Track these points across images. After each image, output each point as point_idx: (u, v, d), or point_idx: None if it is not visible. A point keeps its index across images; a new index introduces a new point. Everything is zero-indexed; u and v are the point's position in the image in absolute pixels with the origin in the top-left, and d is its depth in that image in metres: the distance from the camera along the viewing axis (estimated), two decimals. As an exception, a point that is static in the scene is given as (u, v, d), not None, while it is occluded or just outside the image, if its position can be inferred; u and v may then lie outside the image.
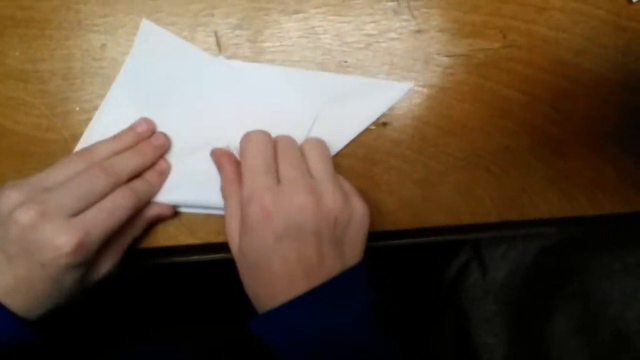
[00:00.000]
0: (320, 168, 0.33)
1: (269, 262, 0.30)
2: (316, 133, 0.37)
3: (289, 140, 0.35)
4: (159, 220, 0.36)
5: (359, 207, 0.32)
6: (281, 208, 0.30)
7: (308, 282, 0.30)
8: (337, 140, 0.37)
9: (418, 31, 0.37)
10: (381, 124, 0.38)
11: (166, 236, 0.38)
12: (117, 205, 0.31)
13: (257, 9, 0.37)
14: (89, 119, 0.36)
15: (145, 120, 0.35)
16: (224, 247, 0.35)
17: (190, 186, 0.36)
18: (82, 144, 0.36)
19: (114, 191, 0.32)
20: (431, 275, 0.63)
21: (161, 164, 0.36)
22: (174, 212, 0.37)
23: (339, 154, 0.38)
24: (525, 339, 0.52)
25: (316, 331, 0.30)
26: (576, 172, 0.39)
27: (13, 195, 0.30)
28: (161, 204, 0.36)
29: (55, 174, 0.32)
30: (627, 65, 0.38)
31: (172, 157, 0.37)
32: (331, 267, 0.31)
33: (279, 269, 0.30)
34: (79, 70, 0.36)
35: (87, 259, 0.30)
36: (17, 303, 0.30)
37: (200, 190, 0.36)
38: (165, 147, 0.36)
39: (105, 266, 0.34)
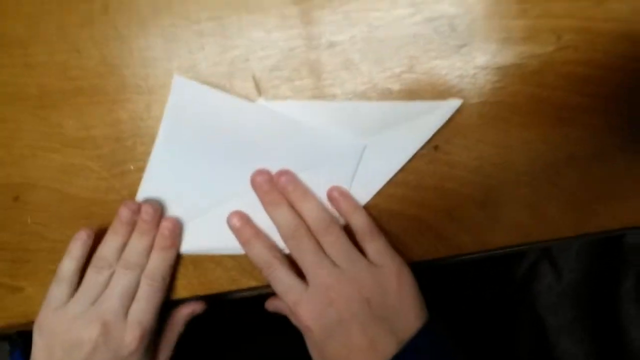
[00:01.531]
0: (338, 253, 0.34)
1: (319, 357, 0.34)
2: (364, 165, 0.36)
3: (305, 236, 0.35)
4: (194, 316, 0.40)
5: (390, 271, 0.33)
6: (315, 315, 0.33)
7: None
8: (387, 169, 0.36)
9: (462, 46, 0.35)
10: (432, 147, 0.36)
11: (229, 281, 0.38)
12: (150, 291, 0.36)
13: (290, 48, 0.36)
14: (142, 176, 0.37)
15: (125, 204, 0.36)
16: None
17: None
18: (138, 200, 0.37)
19: (141, 282, 0.36)
20: (499, 279, 0.60)
21: (164, 227, 0.37)
22: (205, 306, 0.40)
23: (390, 183, 0.36)
24: (609, 347, 0.49)
25: None
26: (629, 175, 0.35)
27: (65, 322, 0.34)
28: (192, 303, 0.40)
29: (90, 290, 0.35)
30: None
31: (217, 204, 0.37)
32: (387, 348, 0.32)
33: None
34: (129, 131, 0.37)
35: (149, 344, 0.36)
36: None
37: None
38: (155, 213, 0.36)
39: (166, 354, 0.39)
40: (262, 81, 0.36)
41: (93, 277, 0.36)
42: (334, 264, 0.34)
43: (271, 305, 0.39)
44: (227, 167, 0.37)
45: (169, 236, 0.36)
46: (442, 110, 0.36)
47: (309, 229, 0.35)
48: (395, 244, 0.36)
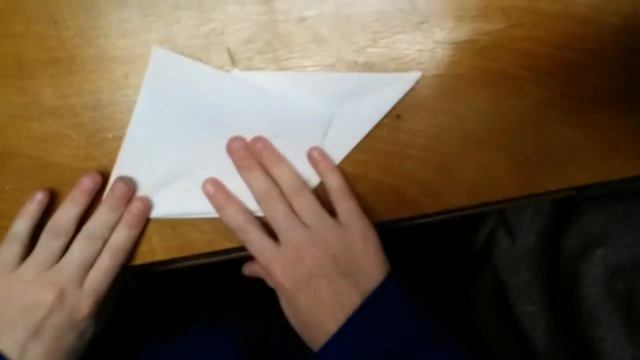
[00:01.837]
0: (309, 214, 0.37)
1: (297, 314, 0.36)
2: (332, 132, 0.39)
3: (276, 197, 0.37)
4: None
5: (356, 231, 0.36)
6: (287, 272, 0.35)
7: (334, 319, 0.34)
8: (353, 136, 0.39)
9: (422, 22, 0.38)
10: (395, 116, 0.39)
11: (206, 244, 0.41)
12: (111, 264, 0.37)
13: (263, 22, 0.38)
14: (121, 145, 0.39)
15: (88, 175, 0.38)
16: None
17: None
18: (117, 168, 0.39)
19: (102, 253, 0.37)
20: (458, 245, 0.64)
21: (133, 204, 0.38)
22: None
23: (356, 149, 0.39)
24: (563, 305, 0.53)
25: (363, 357, 0.33)
26: (593, 140, 0.39)
27: (23, 282, 0.35)
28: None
29: (45, 253, 0.36)
30: (632, 28, 0.39)
31: (194, 169, 0.39)
32: (352, 300, 0.34)
33: (306, 317, 0.35)
34: (107, 100, 0.39)
35: (100, 309, 0.37)
36: None
37: None
38: (129, 191, 0.38)
39: (104, 317, 0.40)
40: (236, 53, 0.38)
41: (49, 242, 0.36)
42: (304, 224, 0.37)
43: (248, 269, 0.42)
44: (204, 135, 0.39)
45: (138, 215, 0.38)
46: (403, 82, 0.39)
47: (281, 192, 0.37)
48: (361, 205, 0.39)
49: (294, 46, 0.39)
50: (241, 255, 0.43)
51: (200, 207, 0.39)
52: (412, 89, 0.39)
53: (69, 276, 0.36)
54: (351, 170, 0.39)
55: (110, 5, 0.38)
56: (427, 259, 0.62)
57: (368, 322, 0.34)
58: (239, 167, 0.38)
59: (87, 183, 0.37)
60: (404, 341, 0.33)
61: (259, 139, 0.38)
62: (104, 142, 0.39)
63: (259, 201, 0.38)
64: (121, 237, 0.38)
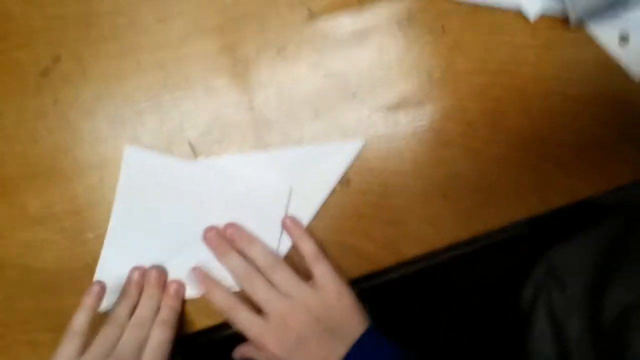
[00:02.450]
0: (286, 285, 0.40)
1: None
2: (292, 204, 0.43)
3: (252, 276, 0.41)
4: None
5: (331, 291, 0.40)
6: (278, 341, 0.39)
7: None
8: (311, 204, 0.43)
9: (354, 94, 0.43)
10: (345, 182, 0.43)
11: (188, 323, 0.43)
12: (161, 340, 0.39)
13: (217, 116, 0.43)
14: (103, 242, 0.43)
15: (135, 269, 0.42)
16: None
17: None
18: (101, 264, 0.42)
19: (153, 330, 0.40)
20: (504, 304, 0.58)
21: (170, 287, 0.42)
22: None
23: (315, 216, 0.43)
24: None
25: None
26: (522, 178, 0.43)
27: None
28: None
29: (105, 344, 0.38)
30: (541, 75, 0.43)
31: (173, 256, 0.43)
32: (337, 353, 0.38)
33: None
34: (85, 204, 0.43)
35: None
36: None
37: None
38: (160, 278, 0.42)
39: None
40: (197, 145, 0.43)
41: (109, 332, 0.39)
42: (284, 294, 0.40)
43: (238, 353, 0.44)
44: (178, 220, 0.43)
45: (175, 294, 0.42)
46: (348, 150, 0.43)
47: (257, 270, 0.41)
48: (326, 265, 0.42)
49: (246, 131, 0.43)
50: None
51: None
52: (357, 155, 0.43)
53: (126, 359, 0.38)
54: (314, 236, 0.43)
55: (81, 119, 0.43)
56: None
57: None
58: (216, 254, 0.42)
59: (136, 276, 0.42)
60: None
61: (230, 225, 0.42)
62: (86, 242, 0.43)
63: (239, 281, 0.41)
64: (166, 314, 0.41)
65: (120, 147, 0.43)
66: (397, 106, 0.43)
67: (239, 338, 0.42)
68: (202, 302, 0.42)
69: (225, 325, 0.42)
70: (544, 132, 0.43)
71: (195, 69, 0.43)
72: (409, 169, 0.43)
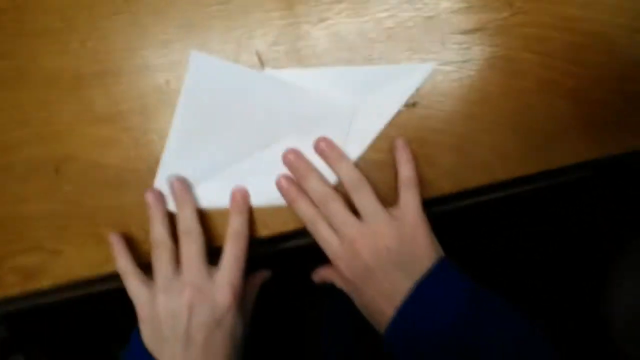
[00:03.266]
0: (365, 208, 0.39)
1: (363, 304, 0.39)
2: (355, 123, 0.42)
3: (333, 200, 0.40)
4: (264, 281, 0.46)
5: (407, 226, 0.39)
6: (348, 264, 0.39)
7: (392, 305, 0.37)
8: (374, 125, 0.43)
9: (431, 17, 0.42)
10: (411, 104, 0.42)
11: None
12: (232, 251, 0.40)
13: (288, 25, 0.42)
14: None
15: (148, 191, 0.42)
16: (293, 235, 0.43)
17: (260, 187, 0.43)
18: (161, 166, 0.43)
19: (226, 246, 0.40)
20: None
21: (236, 195, 0.43)
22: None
23: (377, 137, 0.43)
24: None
25: (415, 343, 0.36)
26: (597, 115, 0.42)
27: (160, 296, 0.38)
28: (262, 273, 0.46)
29: (162, 269, 0.39)
30: (630, 9, 0.41)
31: (233, 164, 0.43)
32: (404, 287, 0.37)
33: (371, 306, 0.39)
34: (152, 105, 0.43)
35: (240, 302, 0.40)
36: None
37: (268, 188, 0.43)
38: (183, 184, 0.42)
39: (249, 306, 0.44)
40: (264, 54, 0.43)
41: (159, 257, 0.39)
42: (359, 219, 0.39)
43: (318, 276, 0.44)
44: (241, 130, 0.43)
45: (242, 201, 0.42)
46: (418, 73, 0.42)
47: (336, 193, 0.40)
48: (384, 189, 0.42)
49: (317, 46, 0.42)
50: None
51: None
52: (430, 76, 0.42)
53: (194, 272, 0.39)
54: (374, 157, 0.43)
55: (151, 19, 0.43)
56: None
57: (422, 304, 0.36)
58: (296, 177, 0.42)
59: (151, 198, 0.42)
60: (461, 319, 0.36)
61: (323, 139, 0.42)
62: (150, 143, 0.44)
63: (317, 204, 0.41)
64: (235, 223, 0.41)
65: (187, 51, 0.43)
66: (474, 32, 0.42)
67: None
68: (260, 212, 0.43)
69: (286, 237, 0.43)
70: (625, 71, 0.41)
71: (268, -23, 0.43)
72: (479, 98, 0.42)
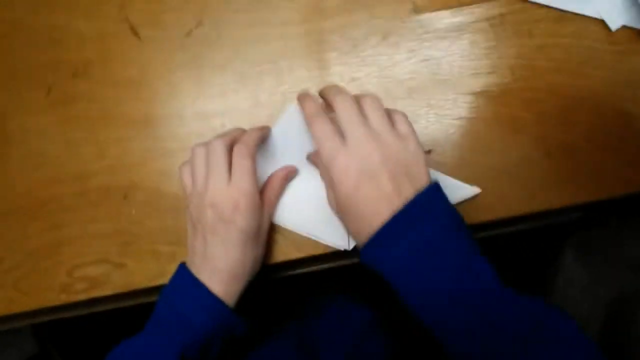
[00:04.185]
0: (374, 117, 0.40)
1: (355, 206, 0.39)
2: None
3: (349, 100, 0.41)
4: (290, 177, 0.50)
5: (412, 146, 0.40)
6: (353, 161, 0.39)
7: (390, 208, 0.38)
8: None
9: (445, 79, 0.50)
10: (427, 151, 0.50)
11: (279, 253, 0.52)
12: (240, 159, 0.44)
13: (325, 83, 0.51)
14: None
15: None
16: (326, 257, 0.49)
17: (301, 214, 0.50)
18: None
19: (233, 154, 0.44)
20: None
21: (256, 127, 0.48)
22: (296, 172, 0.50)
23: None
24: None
25: (408, 245, 0.37)
26: (585, 166, 0.49)
27: (194, 196, 0.45)
28: (288, 167, 0.49)
29: (200, 172, 0.45)
30: (615, 79, 0.49)
31: (294, 192, 0.50)
32: (407, 192, 0.38)
33: (366, 207, 0.39)
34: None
35: (255, 202, 0.44)
36: (219, 285, 0.43)
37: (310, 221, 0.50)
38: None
39: (267, 215, 0.47)
40: (305, 107, 0.51)
41: (197, 160, 0.45)
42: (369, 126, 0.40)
43: (311, 157, 0.48)
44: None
45: (261, 127, 0.48)
46: (462, 191, 0.49)
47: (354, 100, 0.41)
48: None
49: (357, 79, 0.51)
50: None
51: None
52: (440, 128, 0.50)
53: (217, 178, 0.43)
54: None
55: (211, 74, 0.52)
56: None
57: (416, 212, 0.38)
58: (322, 92, 0.44)
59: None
60: (446, 230, 0.38)
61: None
62: (205, 175, 0.52)
63: (333, 103, 0.41)
64: (246, 137, 0.46)
65: (242, 98, 0.52)
66: (481, 94, 0.50)
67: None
68: (294, 235, 0.51)
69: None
70: (610, 128, 0.49)
71: (310, 42, 0.52)
72: (484, 148, 0.50)
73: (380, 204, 0.38)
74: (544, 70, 0.50)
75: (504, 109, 0.50)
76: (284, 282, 0.57)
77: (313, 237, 0.50)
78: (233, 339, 0.46)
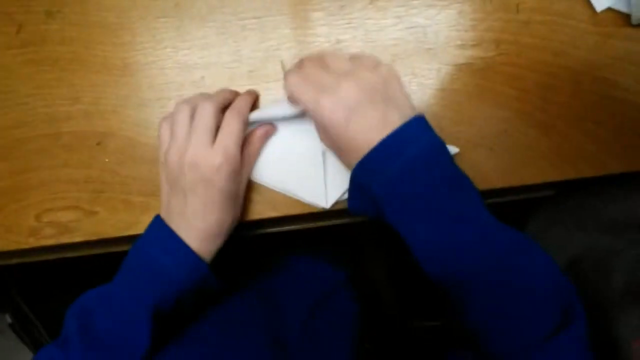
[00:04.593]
0: (342, 63, 0.42)
1: (348, 141, 0.40)
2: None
3: (315, 57, 0.44)
4: (268, 135, 0.49)
5: (384, 71, 0.41)
6: (336, 101, 0.40)
7: (380, 135, 0.39)
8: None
9: (430, 49, 0.50)
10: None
11: (254, 212, 0.52)
12: (231, 123, 0.44)
13: (310, 42, 0.50)
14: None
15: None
16: (301, 218, 0.49)
17: (279, 172, 0.50)
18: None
19: (224, 116, 0.45)
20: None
21: (247, 91, 0.49)
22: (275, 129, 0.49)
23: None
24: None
25: (396, 165, 0.39)
26: (561, 145, 0.50)
27: (172, 153, 0.44)
28: (266, 126, 0.49)
29: (182, 123, 0.44)
30: (596, 61, 0.49)
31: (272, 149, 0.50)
32: (393, 119, 0.40)
33: (356, 139, 0.40)
34: (185, 95, 0.50)
35: (237, 165, 0.44)
36: (196, 241, 0.44)
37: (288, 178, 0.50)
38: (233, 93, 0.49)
39: (245, 176, 0.48)
40: (288, 64, 0.50)
41: (182, 111, 0.44)
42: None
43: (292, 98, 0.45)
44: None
45: (250, 93, 0.49)
46: None
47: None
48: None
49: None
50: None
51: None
52: (422, 97, 0.50)
53: (200, 141, 0.43)
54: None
55: (194, 26, 0.51)
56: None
57: (403, 139, 0.39)
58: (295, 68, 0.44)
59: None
60: (429, 152, 0.40)
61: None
62: (182, 128, 0.51)
63: (301, 64, 0.44)
64: (240, 101, 0.47)
65: (224, 52, 0.50)
66: (465, 66, 0.50)
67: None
68: (272, 193, 0.51)
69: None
70: (587, 110, 0.50)
71: (298, 1, 0.50)
72: (464, 120, 0.50)
73: (371, 133, 0.39)
74: (528, 46, 0.50)
75: (486, 83, 0.50)
76: (255, 240, 0.57)
77: (291, 195, 0.50)
78: (204, 295, 0.46)
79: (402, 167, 0.39)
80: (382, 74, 0.41)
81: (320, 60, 0.43)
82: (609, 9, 0.49)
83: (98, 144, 0.51)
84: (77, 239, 0.52)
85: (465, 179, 0.41)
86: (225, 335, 0.49)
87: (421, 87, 0.50)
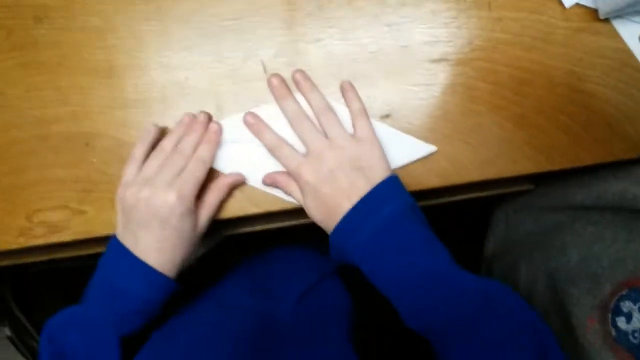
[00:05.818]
0: (331, 128, 0.47)
1: (320, 203, 0.46)
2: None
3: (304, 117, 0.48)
4: (235, 185, 0.51)
5: (365, 143, 0.47)
6: (313, 171, 0.45)
7: (350, 202, 0.44)
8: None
9: (405, 46, 0.52)
10: (385, 115, 0.52)
11: (236, 208, 0.53)
12: (193, 169, 0.47)
13: (288, 41, 0.52)
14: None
15: (187, 114, 0.51)
16: (282, 215, 0.51)
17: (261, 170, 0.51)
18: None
19: (189, 164, 0.47)
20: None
21: (211, 127, 0.50)
22: (244, 181, 0.51)
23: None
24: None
25: (368, 229, 0.43)
26: (535, 138, 0.51)
27: (132, 189, 0.46)
28: (237, 174, 0.51)
29: (151, 167, 0.48)
30: (567, 55, 0.51)
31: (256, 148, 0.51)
32: (362, 187, 0.44)
33: (327, 203, 0.45)
34: (171, 97, 0.52)
35: (190, 207, 0.46)
36: (157, 261, 0.46)
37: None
38: (207, 121, 0.50)
39: (204, 218, 0.49)
40: (268, 64, 0.52)
41: (154, 158, 0.48)
42: (326, 137, 0.47)
43: (269, 178, 0.50)
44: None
45: (214, 133, 0.50)
46: (419, 149, 0.51)
47: (307, 116, 0.48)
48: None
49: (310, 60, 0.52)
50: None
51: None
52: (399, 93, 0.51)
53: (162, 179, 0.46)
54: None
55: (176, 28, 0.52)
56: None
57: (373, 202, 0.44)
58: (276, 97, 0.49)
59: (187, 119, 0.50)
60: (396, 216, 0.44)
61: (298, 70, 0.50)
62: (166, 128, 0.52)
63: (291, 122, 0.48)
64: (204, 150, 0.49)
65: (205, 53, 0.52)
66: (439, 62, 0.52)
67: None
68: (253, 190, 0.52)
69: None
70: (559, 103, 0.51)
71: (276, 1, 0.52)
72: (440, 114, 0.52)
73: (341, 199, 0.44)
74: (501, 42, 0.51)
75: (461, 78, 0.51)
76: (242, 237, 0.59)
77: (275, 193, 0.51)
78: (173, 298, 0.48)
79: (371, 231, 0.43)
80: (364, 148, 0.46)
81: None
82: (577, 5, 0.50)
83: (86, 144, 0.53)
84: (67, 238, 0.53)
85: (432, 241, 0.44)
86: (217, 320, 0.50)
87: (397, 83, 0.52)
